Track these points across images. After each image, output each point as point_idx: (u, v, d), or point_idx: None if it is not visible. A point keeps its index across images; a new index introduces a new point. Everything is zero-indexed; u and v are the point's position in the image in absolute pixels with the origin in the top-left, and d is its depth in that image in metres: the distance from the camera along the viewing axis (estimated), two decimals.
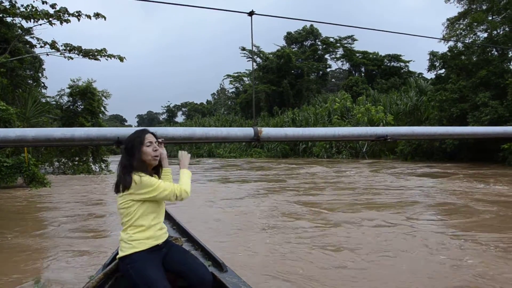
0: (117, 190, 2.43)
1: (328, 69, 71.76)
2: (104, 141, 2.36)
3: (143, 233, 2.43)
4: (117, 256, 2.48)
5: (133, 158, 2.41)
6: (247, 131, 2.63)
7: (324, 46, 68.75)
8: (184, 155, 2.71)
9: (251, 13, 2.71)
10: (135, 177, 2.37)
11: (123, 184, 2.39)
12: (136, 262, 2.38)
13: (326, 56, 69.81)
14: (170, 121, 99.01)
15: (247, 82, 71.26)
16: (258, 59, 66.50)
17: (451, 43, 27.04)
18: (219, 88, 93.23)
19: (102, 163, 24.43)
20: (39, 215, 9.17)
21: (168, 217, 3.93)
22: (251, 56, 66.77)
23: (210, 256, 3.01)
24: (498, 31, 24.98)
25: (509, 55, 24.95)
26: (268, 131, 2.69)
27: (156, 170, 2.61)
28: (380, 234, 6.52)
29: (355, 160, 32.72)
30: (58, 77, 30.10)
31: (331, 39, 67.55)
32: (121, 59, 20.40)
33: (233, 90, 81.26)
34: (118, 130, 2.41)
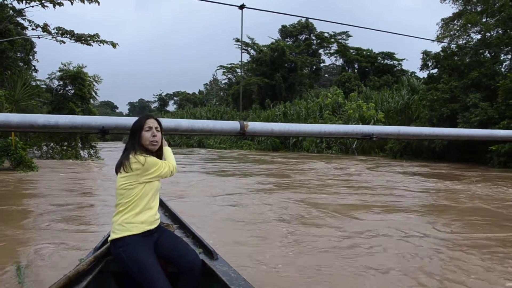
0: (118, 170, 2.49)
1: (322, 64, 71.86)
2: (88, 129, 2.36)
3: (138, 216, 2.46)
4: (109, 239, 2.49)
5: (134, 141, 2.50)
6: (233, 125, 2.65)
7: (319, 41, 68.77)
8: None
9: (241, 6, 2.71)
10: (140, 158, 2.43)
11: (119, 163, 2.46)
12: (128, 246, 2.39)
13: (320, 51, 69.88)
14: (161, 109, 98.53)
15: (240, 73, 71.06)
16: (252, 51, 66.36)
17: (444, 44, 27.18)
18: (212, 79, 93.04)
19: (91, 149, 24.30)
20: (25, 199, 9.11)
21: (161, 204, 3.93)
22: (243, 48, 66.47)
23: (201, 244, 3.01)
24: (492, 33, 25.14)
25: (501, 58, 25.14)
26: (254, 126, 2.71)
27: (156, 155, 2.64)
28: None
29: (345, 156, 32.87)
30: (50, 60, 29.85)
31: (326, 34, 67.63)
32: (113, 45, 20.22)
33: (226, 81, 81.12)
34: (104, 119, 2.42)
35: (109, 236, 2.56)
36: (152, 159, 2.47)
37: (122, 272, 2.54)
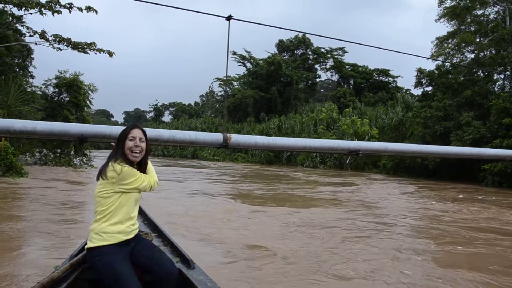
0: (98, 178, 2.46)
1: (317, 79, 72.21)
2: (66, 137, 2.32)
3: (115, 226, 2.43)
4: (86, 247, 2.47)
5: (118, 149, 2.47)
6: (215, 137, 2.61)
7: (315, 56, 69.22)
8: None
9: (229, 18, 2.70)
10: (117, 166, 2.39)
11: (100, 170, 2.44)
12: (104, 255, 2.38)
13: (316, 66, 70.27)
14: (157, 120, 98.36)
15: (236, 86, 71.27)
16: (248, 65, 66.62)
17: (439, 62, 27.45)
18: (208, 91, 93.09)
19: (83, 157, 24.15)
20: (10, 205, 8.99)
21: (140, 212, 3.89)
22: (239, 61, 66.78)
23: (178, 253, 2.99)
24: (485, 52, 25.42)
25: (494, 77, 25.39)
26: (237, 138, 2.67)
27: (139, 166, 2.60)
28: None
29: (339, 171, 32.86)
30: (47, 68, 29.72)
31: (322, 50, 68.11)
32: (110, 54, 20.19)
33: (222, 93, 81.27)
34: (82, 127, 2.39)
35: (85, 244, 2.53)
36: (129, 169, 2.43)
37: (98, 280, 2.51)
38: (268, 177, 23.27)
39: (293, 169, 32.89)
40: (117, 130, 2.56)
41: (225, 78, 75.73)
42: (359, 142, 3.19)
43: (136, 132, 2.51)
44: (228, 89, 75.81)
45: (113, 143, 2.56)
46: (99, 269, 2.37)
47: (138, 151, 2.51)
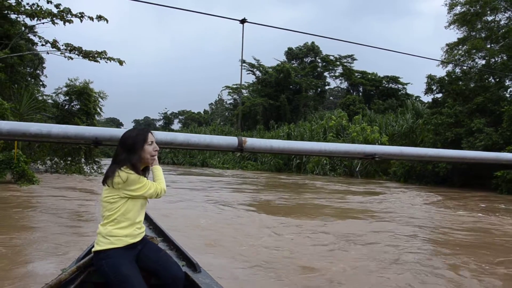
0: (104, 183, 2.44)
1: (327, 87, 72.26)
2: (81, 140, 2.32)
3: (123, 230, 2.43)
4: (93, 250, 2.46)
5: (132, 155, 2.42)
6: (230, 140, 2.58)
7: (324, 63, 69.26)
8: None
9: (243, 21, 2.68)
10: (122, 173, 2.37)
11: (106, 175, 2.41)
12: (111, 259, 2.38)
13: (325, 73, 70.32)
14: (166, 128, 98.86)
15: (246, 94, 71.45)
16: (257, 72, 66.83)
17: (449, 68, 27.29)
18: (217, 99, 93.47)
19: (94, 165, 24.29)
20: (21, 214, 9.03)
21: (146, 217, 3.90)
22: (249, 69, 66.99)
23: (184, 257, 2.99)
24: (496, 59, 25.22)
25: (506, 83, 25.17)
26: (253, 142, 2.64)
27: (144, 170, 2.59)
28: None
29: (349, 178, 32.69)
30: (59, 77, 30.02)
31: (331, 57, 68.15)
32: (120, 62, 20.38)
33: (231, 101, 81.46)
34: (97, 130, 2.38)
35: (92, 247, 2.53)
36: (135, 177, 2.41)
37: (104, 283, 2.52)
38: (288, 185, 22.93)
39: (307, 177, 32.74)
40: None
41: (234, 86, 75.96)
42: (375, 146, 3.14)
43: (152, 137, 2.51)
44: (237, 96, 76.07)
45: None
46: (106, 272, 2.37)
47: (156, 155, 2.54)
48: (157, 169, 2.65)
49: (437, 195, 18.25)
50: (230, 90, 77.89)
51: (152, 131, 2.54)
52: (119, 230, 2.42)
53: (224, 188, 19.31)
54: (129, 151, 2.42)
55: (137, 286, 2.32)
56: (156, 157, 2.58)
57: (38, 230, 7.16)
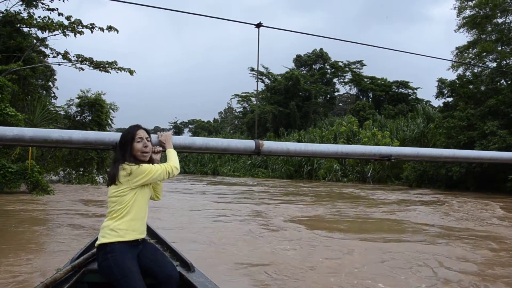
0: (109, 183, 2.50)
1: (336, 93, 72.11)
2: (101, 145, 2.36)
3: (131, 223, 2.48)
4: (98, 243, 2.48)
5: (125, 152, 2.48)
6: (248, 144, 2.61)
7: (333, 70, 69.24)
8: (167, 138, 2.70)
9: (258, 25, 2.71)
10: (126, 167, 2.43)
11: (112, 175, 2.46)
12: (117, 252, 2.41)
13: (335, 80, 70.23)
14: None
15: (255, 102, 71.61)
16: (266, 80, 66.99)
17: (460, 71, 27.13)
18: (227, 107, 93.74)
19: (106, 175, 24.49)
20: (35, 221, 9.12)
21: None
22: (256, 75, 67.17)
23: (178, 257, 3.04)
24: (508, 61, 25.02)
25: None
26: (269, 145, 2.66)
27: (148, 163, 2.62)
28: None
29: (362, 184, 32.50)
30: (70, 88, 30.41)
31: (340, 63, 68.10)
32: (130, 72, 20.65)
33: (241, 109, 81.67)
34: (117, 136, 2.45)
35: (88, 246, 2.65)
36: (138, 168, 2.45)
37: (98, 283, 2.61)
38: (312, 193, 21.21)
39: (321, 184, 32.61)
40: (154, 138, 2.63)
41: (243, 94, 76.09)
42: (391, 147, 3.14)
43: (142, 133, 2.55)
44: (247, 104, 76.25)
45: None
46: (110, 267, 2.38)
47: (148, 151, 2.56)
48: (170, 152, 2.67)
49: (493, 202, 16.30)
50: (240, 98, 78.15)
51: (143, 128, 2.59)
52: (129, 223, 2.46)
53: (273, 199, 17.07)
54: (123, 149, 2.49)
55: (138, 283, 2.36)
56: (150, 152, 2.59)
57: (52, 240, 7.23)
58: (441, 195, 20.93)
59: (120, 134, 2.51)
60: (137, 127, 2.56)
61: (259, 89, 70.16)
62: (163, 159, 2.68)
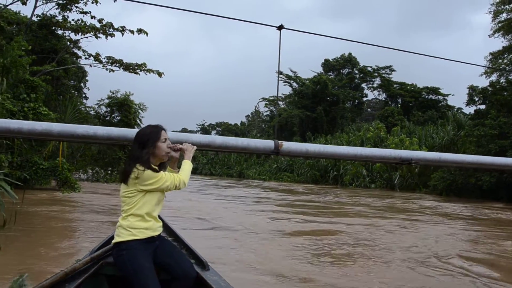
0: (122, 180, 2.53)
1: (364, 98, 71.35)
2: (125, 141, 2.43)
3: (143, 222, 2.52)
4: (113, 241, 2.55)
5: (146, 151, 2.48)
6: (267, 144, 2.64)
7: (362, 75, 68.57)
8: (189, 148, 2.67)
9: (280, 27, 2.74)
10: (136, 170, 2.44)
11: (125, 173, 2.48)
12: (131, 249, 2.46)
13: (363, 85, 69.58)
14: None
15: (282, 106, 71.55)
16: (294, 84, 66.86)
17: (493, 78, 26.44)
18: (254, 110, 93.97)
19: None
20: (61, 216, 9.39)
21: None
22: (286, 81, 67.12)
23: (194, 255, 3.08)
24: None
25: None
26: (288, 145, 2.69)
27: (161, 165, 2.65)
28: None
29: (390, 191, 32.01)
30: (100, 87, 31.08)
31: (369, 68, 67.34)
32: (159, 74, 21.07)
33: (268, 113, 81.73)
34: None
35: (108, 240, 2.68)
36: (148, 173, 2.45)
37: (116, 276, 2.68)
38: (360, 204, 19.02)
39: (350, 191, 32.30)
40: (176, 136, 2.65)
41: (271, 98, 76.10)
42: (411, 151, 3.11)
43: (166, 134, 2.58)
44: (274, 108, 76.23)
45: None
46: (124, 262, 2.44)
47: (170, 152, 2.59)
48: (185, 163, 2.68)
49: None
50: (267, 102, 78.25)
51: (165, 129, 2.60)
52: (140, 223, 2.50)
53: (285, 205, 16.42)
54: (143, 148, 2.47)
55: (150, 278, 2.41)
56: (173, 153, 2.61)
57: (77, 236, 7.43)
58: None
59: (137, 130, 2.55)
60: (160, 127, 2.57)
61: (287, 92, 70.14)
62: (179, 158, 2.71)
